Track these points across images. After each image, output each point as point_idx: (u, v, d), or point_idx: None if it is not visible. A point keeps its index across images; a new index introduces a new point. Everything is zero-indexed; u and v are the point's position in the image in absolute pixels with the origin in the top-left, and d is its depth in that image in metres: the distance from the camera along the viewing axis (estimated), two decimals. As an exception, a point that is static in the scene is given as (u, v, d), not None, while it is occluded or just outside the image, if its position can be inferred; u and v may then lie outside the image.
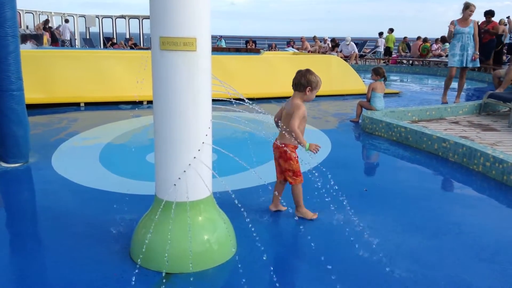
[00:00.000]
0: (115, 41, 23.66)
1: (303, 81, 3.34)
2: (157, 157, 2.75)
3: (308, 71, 3.39)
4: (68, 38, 22.37)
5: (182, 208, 2.65)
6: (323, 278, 2.64)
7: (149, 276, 2.63)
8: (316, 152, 3.30)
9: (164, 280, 2.57)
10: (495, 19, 13.38)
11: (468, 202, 4.08)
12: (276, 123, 3.55)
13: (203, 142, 2.68)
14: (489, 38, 12.78)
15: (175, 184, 2.65)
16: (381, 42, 21.36)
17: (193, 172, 2.66)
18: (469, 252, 3.04)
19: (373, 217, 3.57)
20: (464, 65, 8.51)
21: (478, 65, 8.90)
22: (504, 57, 14.55)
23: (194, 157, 2.65)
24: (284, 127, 3.35)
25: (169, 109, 2.61)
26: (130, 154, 5.10)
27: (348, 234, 3.21)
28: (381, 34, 21.74)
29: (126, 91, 8.42)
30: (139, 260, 2.65)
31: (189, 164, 2.64)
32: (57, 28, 22.63)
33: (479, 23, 10.38)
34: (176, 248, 2.64)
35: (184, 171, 2.64)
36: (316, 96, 12.35)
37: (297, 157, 3.43)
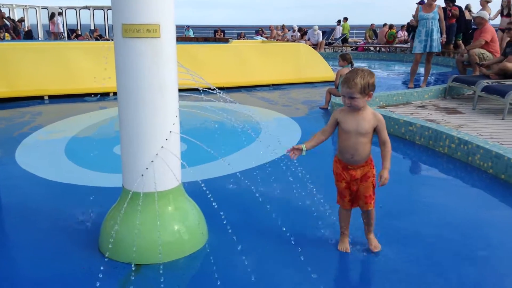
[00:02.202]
0: (80, 33, 23.08)
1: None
2: (123, 147, 2.69)
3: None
4: (61, 31, 21.74)
5: (150, 199, 2.60)
6: (295, 262, 2.66)
7: (118, 268, 2.59)
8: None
9: (133, 272, 2.53)
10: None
11: (435, 183, 4.17)
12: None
13: (170, 131, 2.64)
14: (450, 23, 13.01)
15: (142, 175, 2.60)
16: (339, 30, 21.56)
17: (161, 162, 2.61)
18: (437, 230, 3.10)
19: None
20: (429, 50, 8.66)
21: (441, 49, 9.07)
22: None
23: (162, 147, 2.61)
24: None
25: (133, 98, 2.55)
26: (96, 146, 4.99)
27: (317, 218, 3.24)
28: (339, 22, 21.97)
29: (91, 83, 8.22)
30: (107, 252, 2.60)
31: (157, 154, 2.60)
32: (20, 20, 21.89)
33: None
34: (145, 239, 2.60)
35: (152, 161, 2.60)
36: (286, 84, 12.39)
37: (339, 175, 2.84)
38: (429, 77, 9.52)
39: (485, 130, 5.46)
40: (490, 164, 4.22)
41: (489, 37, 8.37)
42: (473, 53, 8.33)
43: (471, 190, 4.05)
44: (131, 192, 2.62)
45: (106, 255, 2.60)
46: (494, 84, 6.88)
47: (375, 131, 2.69)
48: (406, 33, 19.55)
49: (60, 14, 22.51)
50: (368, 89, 2.59)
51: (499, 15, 11.86)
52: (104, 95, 8.31)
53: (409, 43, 16.90)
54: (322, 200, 3.43)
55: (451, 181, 4.31)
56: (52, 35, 21.16)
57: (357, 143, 2.66)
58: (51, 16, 21.51)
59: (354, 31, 28.22)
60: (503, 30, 10.13)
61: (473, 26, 13.24)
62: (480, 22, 8.61)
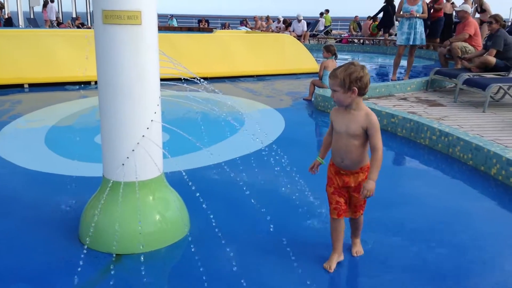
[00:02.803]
0: (61, 21, 22.68)
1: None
2: (104, 136, 2.65)
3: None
4: (54, 18, 21.29)
5: (131, 188, 2.57)
6: (278, 251, 2.66)
7: (98, 258, 2.56)
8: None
9: (114, 261, 2.51)
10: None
11: (416, 174, 4.22)
12: None
13: (151, 120, 2.60)
14: (437, 17, 13.11)
15: (123, 164, 2.57)
16: (322, 22, 21.61)
17: (142, 151, 2.58)
18: (418, 220, 3.14)
19: (324, 190, 3.61)
20: (412, 43, 8.71)
21: (425, 42, 9.14)
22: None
23: (143, 136, 2.57)
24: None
25: (114, 86, 2.51)
26: (77, 135, 4.92)
27: (301, 208, 3.25)
28: (321, 14, 22.00)
29: (72, 72, 8.09)
30: (87, 242, 2.57)
31: (138, 143, 2.56)
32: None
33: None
34: (125, 228, 2.57)
35: (133, 150, 2.56)
36: (270, 75, 12.34)
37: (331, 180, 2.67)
38: (412, 70, 9.58)
39: (465, 122, 5.52)
40: (470, 156, 4.28)
41: (473, 31, 8.45)
42: (456, 46, 8.40)
43: (451, 182, 4.10)
44: (111, 182, 2.59)
45: (86, 245, 2.57)
46: (475, 77, 6.97)
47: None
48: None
49: (52, 1, 22.06)
50: (351, 84, 2.33)
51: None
52: (85, 84, 8.19)
53: (393, 36, 16.92)
54: (306, 190, 3.44)
55: (432, 172, 4.36)
56: (47, 22, 20.75)
57: (347, 145, 2.44)
58: (45, 4, 21.07)
59: (339, 23, 28.30)
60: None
61: (455, 20, 13.40)
62: (463, 16, 8.68)
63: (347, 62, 2.44)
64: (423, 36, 8.78)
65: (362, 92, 2.40)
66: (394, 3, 15.31)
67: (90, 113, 6.24)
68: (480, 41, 8.59)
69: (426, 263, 2.63)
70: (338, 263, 2.57)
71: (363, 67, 2.41)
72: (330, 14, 22.70)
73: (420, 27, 8.65)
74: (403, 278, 2.48)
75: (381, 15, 16.82)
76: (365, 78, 2.39)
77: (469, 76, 6.96)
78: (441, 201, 3.54)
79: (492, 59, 7.17)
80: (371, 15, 19.36)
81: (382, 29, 17.62)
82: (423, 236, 2.94)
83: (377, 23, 19.49)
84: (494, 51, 7.20)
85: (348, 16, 22.58)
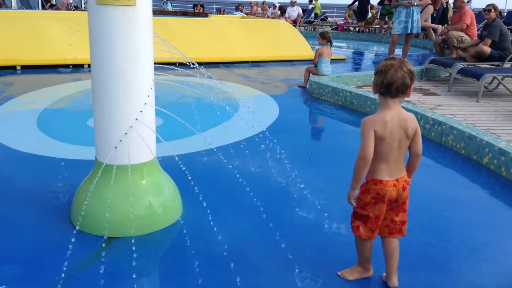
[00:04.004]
0: (54, 3, 22.36)
1: (407, 80, 2.06)
2: (97, 119, 2.63)
3: (402, 61, 2.07)
4: (71, 1, 21.01)
5: (123, 172, 2.56)
6: (268, 238, 2.67)
7: (90, 241, 2.56)
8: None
9: (105, 244, 2.50)
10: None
11: (408, 163, 4.23)
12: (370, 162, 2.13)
13: (145, 104, 2.59)
14: (428, 5, 13.06)
15: (116, 147, 2.56)
16: (298, 9, 21.53)
17: (135, 134, 2.57)
18: (410, 208, 3.15)
19: (317, 178, 3.63)
20: (409, 31, 8.68)
21: (420, 30, 9.12)
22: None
23: (136, 119, 2.56)
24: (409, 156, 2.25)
25: (107, 68, 2.48)
26: (70, 118, 4.89)
27: (292, 194, 3.25)
28: (310, 1, 21.88)
29: (65, 54, 8.00)
30: (79, 224, 2.57)
31: (131, 126, 2.55)
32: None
33: None
34: (117, 212, 2.57)
35: (126, 134, 2.55)
36: (265, 61, 12.21)
37: None
38: (407, 59, 9.58)
39: (459, 111, 5.54)
40: (462, 145, 4.30)
41: (469, 21, 8.43)
42: (452, 35, 8.39)
43: (443, 170, 4.13)
44: (104, 165, 2.58)
45: (77, 228, 2.57)
46: (469, 67, 6.98)
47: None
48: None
49: None
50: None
51: None
52: (78, 67, 8.11)
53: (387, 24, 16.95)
54: (298, 177, 3.44)
55: (424, 160, 4.32)
56: (63, 5, 20.44)
57: None
58: None
59: (335, 10, 28.16)
60: None
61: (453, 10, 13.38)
62: (460, 5, 8.65)
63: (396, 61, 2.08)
64: (419, 24, 8.76)
65: (378, 89, 2.11)
66: None
67: (83, 96, 6.19)
68: (475, 31, 8.58)
69: (414, 249, 2.65)
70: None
71: (391, 63, 2.06)
72: (328, 1, 22.53)
73: (416, 15, 8.63)
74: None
75: (356, 3, 17.17)
76: (383, 75, 2.05)
77: (463, 65, 6.97)
78: (433, 189, 3.56)
79: (487, 49, 7.18)
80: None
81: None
82: (412, 223, 2.94)
83: (374, 11, 19.45)
84: (489, 41, 7.21)
85: (344, 4, 22.46)
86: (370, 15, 18.65)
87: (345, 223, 2.86)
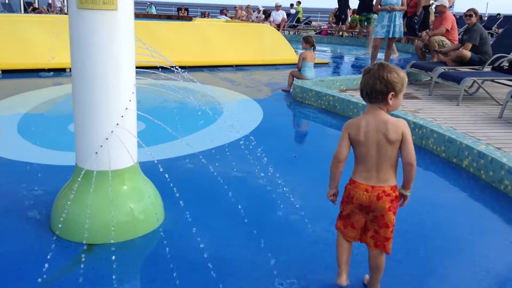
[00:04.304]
0: (37, 6, 22.14)
1: (380, 86, 2.02)
2: (77, 124, 2.61)
3: (382, 66, 2.04)
4: (60, 6, 20.72)
5: (104, 177, 2.54)
6: (250, 243, 2.67)
7: (70, 248, 2.53)
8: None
9: (85, 251, 2.48)
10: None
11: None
12: (343, 163, 2.20)
13: (126, 108, 2.57)
14: (414, 11, 13.22)
15: (96, 152, 2.54)
16: (282, 13, 21.72)
17: (116, 139, 2.55)
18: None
19: (301, 182, 3.64)
20: (391, 36, 8.78)
21: (403, 35, 9.24)
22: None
23: (117, 124, 2.54)
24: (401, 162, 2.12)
25: (88, 72, 2.46)
26: (51, 123, 4.84)
27: (275, 199, 3.26)
28: (292, 5, 22.06)
29: (47, 58, 7.92)
30: (59, 231, 2.54)
31: (112, 131, 2.53)
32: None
33: None
34: (97, 218, 2.54)
35: (106, 139, 2.53)
36: (249, 65, 12.22)
37: None
38: (389, 63, 9.68)
39: (440, 115, 5.62)
40: (442, 148, 4.36)
41: (450, 25, 8.56)
42: (434, 40, 8.51)
43: (424, 173, 4.17)
44: (84, 170, 2.55)
45: (57, 234, 2.53)
46: (450, 71, 7.08)
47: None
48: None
49: None
50: None
51: None
52: (60, 71, 8.03)
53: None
54: (280, 182, 3.45)
55: (406, 164, 4.41)
56: (52, 8, 20.23)
57: None
58: None
59: (318, 15, 28.36)
60: None
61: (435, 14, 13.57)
62: (441, 10, 8.78)
63: (383, 63, 2.08)
64: (402, 29, 8.88)
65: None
66: None
67: (64, 100, 6.12)
68: (456, 35, 8.72)
69: (394, 252, 2.66)
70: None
71: (370, 68, 2.08)
72: (312, 5, 22.74)
73: (399, 20, 8.74)
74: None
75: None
76: (361, 79, 2.11)
77: (444, 69, 7.06)
78: (414, 192, 3.56)
79: (468, 53, 7.29)
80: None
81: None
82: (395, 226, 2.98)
83: (357, 16, 19.64)
84: (469, 45, 7.32)
85: (327, 8, 22.63)
86: (349, 19, 18.90)
87: (327, 227, 2.88)
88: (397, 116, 4.98)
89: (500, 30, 11.46)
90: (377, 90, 2.02)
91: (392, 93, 2.02)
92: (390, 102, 2.04)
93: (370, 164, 2.11)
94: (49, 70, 7.95)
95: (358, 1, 14.54)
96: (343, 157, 2.16)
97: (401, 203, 2.19)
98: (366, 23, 15.74)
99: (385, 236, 2.17)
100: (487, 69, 7.30)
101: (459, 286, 2.42)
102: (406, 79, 2.07)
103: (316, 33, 20.19)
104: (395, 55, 12.36)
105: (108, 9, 2.40)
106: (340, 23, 18.75)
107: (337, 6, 18.72)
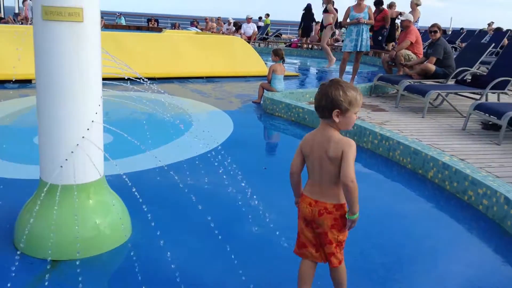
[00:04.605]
0: (3, 16, 21.65)
1: (326, 103, 2.02)
2: (41, 137, 2.56)
3: (331, 83, 2.05)
4: (31, 16, 20.07)
5: (69, 192, 2.49)
6: (220, 256, 2.65)
7: (34, 264, 2.46)
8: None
9: (50, 268, 2.41)
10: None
11: (358, 177, 4.30)
12: (296, 174, 2.21)
13: (92, 121, 2.53)
14: (380, 25, 13.54)
15: (61, 166, 2.48)
16: (253, 26, 21.99)
17: (81, 153, 2.51)
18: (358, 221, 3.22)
19: (270, 193, 3.65)
20: (359, 49, 8.96)
21: (369, 48, 9.45)
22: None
23: (83, 137, 2.50)
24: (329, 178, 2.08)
25: (52, 84, 2.42)
26: (15, 135, 4.72)
27: (245, 211, 3.25)
28: (260, 18, 22.36)
29: (11, 69, 7.74)
30: (22, 247, 2.46)
31: (77, 145, 2.49)
32: None
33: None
34: (62, 234, 2.48)
35: (72, 152, 2.48)
36: (220, 77, 12.24)
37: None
38: (356, 76, 9.85)
39: (406, 127, 5.75)
40: (409, 160, 4.46)
41: (414, 39, 8.80)
42: (400, 54, 8.73)
43: (391, 184, 4.26)
44: (48, 184, 2.50)
45: (21, 251, 2.46)
46: (415, 84, 7.27)
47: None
48: (337, 32, 20.15)
49: None
50: None
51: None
52: (25, 82, 7.85)
53: (340, 42, 17.50)
54: (250, 194, 3.45)
55: (374, 175, 4.50)
56: (26, 19, 19.66)
57: None
58: None
59: (288, 28, 28.69)
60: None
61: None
62: (407, 25, 9.03)
63: (335, 80, 2.07)
64: (368, 42, 9.06)
65: None
66: (312, 12, 17.86)
67: (30, 112, 5.98)
68: (421, 49, 8.97)
69: (360, 262, 2.70)
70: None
71: (322, 84, 2.11)
72: (281, 18, 23.07)
73: (366, 34, 8.93)
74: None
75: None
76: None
77: (410, 82, 7.25)
78: (381, 203, 3.66)
79: (432, 67, 7.51)
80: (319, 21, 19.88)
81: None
82: (360, 236, 3.02)
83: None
84: (434, 59, 7.54)
85: (296, 21, 22.94)
86: (313, 33, 19.34)
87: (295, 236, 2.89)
88: (364, 128, 5.10)
89: (463, 44, 11.85)
90: (322, 106, 2.02)
91: (337, 110, 1.99)
92: (336, 119, 2.01)
93: (315, 178, 2.11)
94: (15, 81, 7.75)
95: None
96: (295, 169, 2.19)
97: (349, 226, 2.11)
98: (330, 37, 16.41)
99: (329, 252, 2.15)
100: (451, 82, 7.53)
101: (424, 295, 2.47)
102: (357, 98, 2.00)
103: (286, 46, 20.41)
104: (329, 65, 12.68)
105: (74, 21, 2.37)
106: (305, 37, 19.15)
107: (299, 20, 19.31)
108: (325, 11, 12.15)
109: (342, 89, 2.00)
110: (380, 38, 13.61)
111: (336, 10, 15.24)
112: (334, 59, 12.78)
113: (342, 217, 2.10)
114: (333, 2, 12.08)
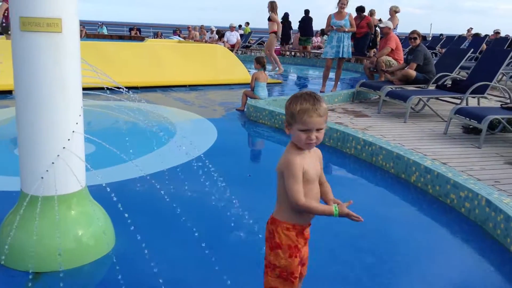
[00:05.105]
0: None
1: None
2: (22, 148, 2.52)
3: (295, 94, 1.90)
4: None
5: (50, 203, 2.46)
6: (203, 263, 2.64)
7: (16, 277, 2.42)
8: (357, 220, 2.10)
9: (32, 280, 2.37)
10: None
11: (343, 182, 4.36)
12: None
13: (73, 131, 2.51)
14: (364, 32, 13.69)
15: (42, 177, 2.45)
16: (236, 34, 22.09)
17: (62, 163, 2.48)
18: (341, 225, 3.23)
19: (255, 200, 3.65)
20: (340, 56, 9.05)
21: (351, 55, 9.56)
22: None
23: (64, 148, 2.47)
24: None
25: (32, 95, 2.39)
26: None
27: (229, 219, 3.24)
28: (240, 26, 22.52)
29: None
30: (3, 260, 2.42)
31: (58, 155, 2.46)
32: None
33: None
34: (44, 245, 2.45)
35: (53, 163, 2.45)
36: (203, 85, 12.20)
37: (296, 249, 1.96)
38: (339, 82, 9.94)
39: (388, 132, 5.81)
40: (391, 164, 4.50)
41: (394, 45, 8.93)
42: (381, 60, 8.84)
43: (374, 189, 4.29)
44: (29, 196, 2.46)
45: (2, 263, 2.42)
46: (397, 89, 7.36)
47: None
48: (319, 39, 20.36)
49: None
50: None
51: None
52: (6, 93, 7.74)
53: (322, 49, 17.67)
54: (234, 202, 3.44)
55: (357, 180, 4.53)
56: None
57: (318, 192, 2.04)
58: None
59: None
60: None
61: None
62: (387, 31, 9.16)
63: (305, 91, 1.89)
64: (350, 49, 9.17)
65: None
66: (289, 19, 18.45)
67: (11, 123, 5.90)
68: (401, 55, 9.10)
69: (344, 266, 2.71)
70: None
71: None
72: (263, 26, 23.26)
73: (347, 41, 9.03)
74: (323, 282, 2.55)
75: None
76: None
77: (391, 88, 7.34)
78: (364, 207, 3.63)
79: (413, 73, 7.62)
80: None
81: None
82: (342, 240, 3.03)
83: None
84: (414, 65, 7.65)
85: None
86: (292, 39, 19.73)
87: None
88: (347, 134, 5.13)
89: (443, 50, 12.05)
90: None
91: (286, 121, 1.90)
92: (286, 131, 1.91)
93: None
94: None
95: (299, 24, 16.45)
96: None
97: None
98: (304, 43, 17.82)
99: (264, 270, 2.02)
100: (432, 87, 7.64)
101: (409, 299, 2.48)
102: (298, 113, 1.80)
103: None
104: (279, 72, 12.88)
105: (53, 31, 2.36)
106: (284, 44, 19.48)
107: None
108: (269, 19, 12.41)
109: (290, 100, 1.86)
110: (366, 44, 13.79)
111: (311, 18, 15.65)
112: (283, 69, 13.14)
113: (274, 235, 1.94)
114: (277, 11, 12.37)
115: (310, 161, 1.94)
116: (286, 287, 1.96)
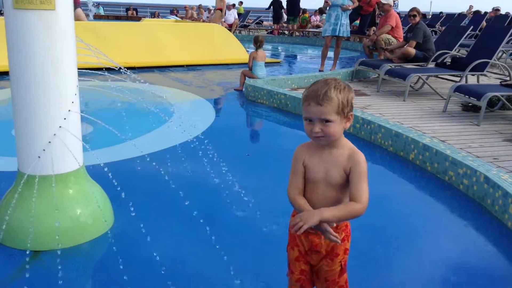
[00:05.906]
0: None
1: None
2: (18, 128, 2.51)
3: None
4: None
5: (47, 182, 2.46)
6: (202, 240, 2.65)
7: (14, 255, 2.43)
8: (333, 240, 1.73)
9: (31, 258, 2.38)
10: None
11: (341, 161, 4.35)
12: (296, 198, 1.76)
13: (69, 110, 2.49)
14: (370, 11, 13.51)
15: (39, 157, 2.44)
16: (234, 12, 21.87)
17: (59, 142, 2.47)
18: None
19: (255, 180, 3.66)
20: (338, 34, 8.96)
21: (349, 34, 9.48)
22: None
23: (60, 127, 2.46)
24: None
25: (27, 74, 2.37)
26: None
27: (228, 198, 3.25)
28: (233, 5, 22.25)
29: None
30: (1, 238, 2.43)
31: (54, 134, 2.45)
32: None
33: None
34: (42, 224, 2.45)
35: (49, 142, 2.44)
36: (201, 65, 12.15)
37: (293, 239, 1.87)
38: (338, 61, 9.87)
39: (387, 110, 5.79)
40: (390, 142, 4.49)
41: (394, 23, 8.83)
42: (380, 38, 8.76)
43: (373, 167, 4.28)
44: (26, 175, 2.46)
45: (0, 242, 2.43)
46: (396, 67, 7.31)
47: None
48: (318, 18, 20.17)
49: None
50: (348, 109, 1.67)
51: None
52: (3, 74, 7.68)
53: (321, 28, 17.52)
54: (233, 181, 3.45)
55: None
56: None
57: (326, 197, 1.75)
58: None
59: (270, 15, 28.55)
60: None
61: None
62: (387, 9, 9.05)
63: (324, 79, 1.68)
64: (348, 28, 9.08)
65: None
66: (280, 0, 19.23)
67: (8, 104, 5.86)
68: (401, 33, 9.01)
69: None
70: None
71: (346, 84, 1.71)
72: (256, 5, 23.20)
73: (345, 20, 8.93)
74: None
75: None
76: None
77: (390, 66, 7.28)
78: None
79: (412, 50, 7.55)
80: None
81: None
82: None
83: (307, 15, 19.96)
84: (414, 43, 7.58)
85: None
86: (284, 19, 20.05)
87: (281, 223, 2.90)
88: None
89: (443, 28, 11.94)
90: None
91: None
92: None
93: None
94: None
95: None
96: None
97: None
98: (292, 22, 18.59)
99: None
100: (431, 65, 7.59)
101: (410, 271, 2.50)
102: (302, 99, 1.66)
103: (267, 33, 20.34)
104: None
105: (46, 9, 2.32)
106: (277, 24, 19.86)
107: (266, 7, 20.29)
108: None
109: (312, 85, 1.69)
110: (367, 22, 13.69)
111: None
112: None
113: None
114: None
115: (320, 160, 1.73)
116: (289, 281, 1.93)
